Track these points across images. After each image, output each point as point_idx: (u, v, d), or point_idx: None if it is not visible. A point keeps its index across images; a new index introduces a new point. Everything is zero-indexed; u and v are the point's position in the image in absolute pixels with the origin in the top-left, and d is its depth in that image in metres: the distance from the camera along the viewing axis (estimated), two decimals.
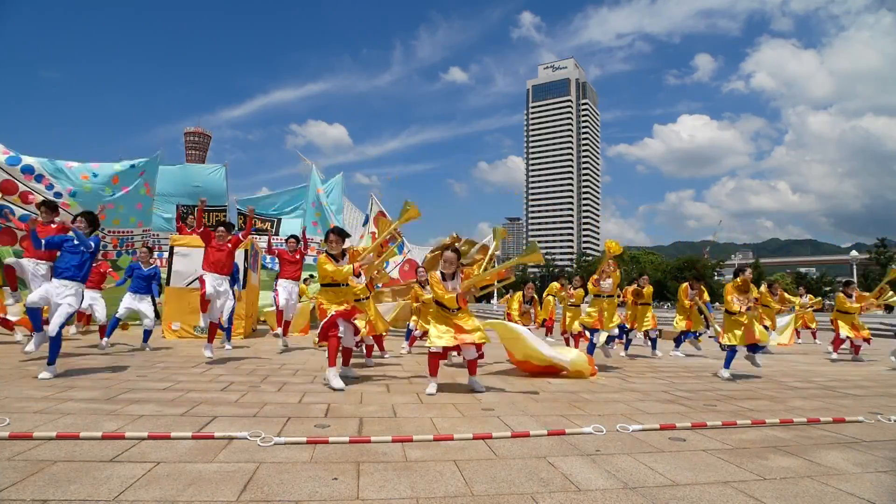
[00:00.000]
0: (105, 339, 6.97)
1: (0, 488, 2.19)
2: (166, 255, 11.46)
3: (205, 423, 3.35)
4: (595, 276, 7.10)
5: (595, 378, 5.97)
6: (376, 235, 13.46)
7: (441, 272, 5.08)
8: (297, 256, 8.78)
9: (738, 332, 6.46)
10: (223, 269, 6.73)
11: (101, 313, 7.70)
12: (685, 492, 2.42)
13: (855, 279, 35.26)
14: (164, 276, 10.85)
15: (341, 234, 5.23)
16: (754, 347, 6.44)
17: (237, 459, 2.68)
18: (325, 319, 4.95)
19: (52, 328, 4.90)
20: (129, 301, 7.45)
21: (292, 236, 9.04)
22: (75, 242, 5.17)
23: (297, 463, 2.66)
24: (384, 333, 6.97)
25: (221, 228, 6.86)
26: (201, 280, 6.57)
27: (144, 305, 7.53)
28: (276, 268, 14.35)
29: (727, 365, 6.47)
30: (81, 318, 9.25)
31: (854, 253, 36.47)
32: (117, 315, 7.28)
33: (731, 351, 6.54)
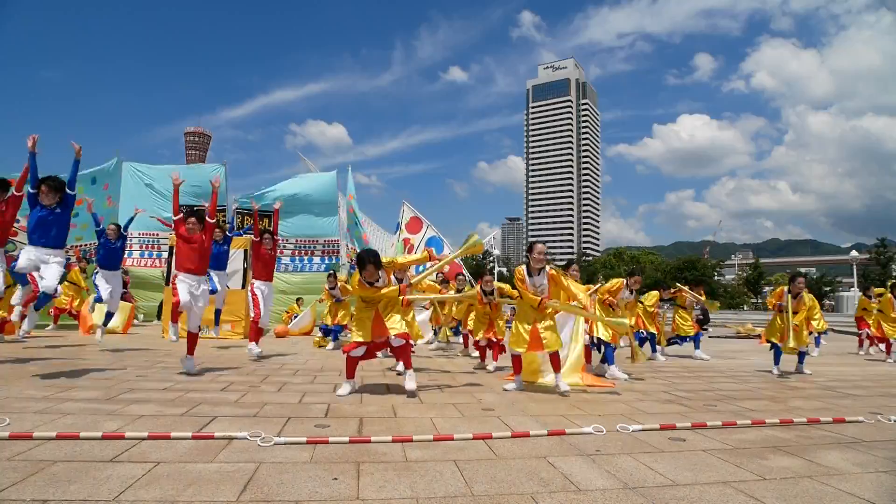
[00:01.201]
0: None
1: (0, 488, 2.19)
2: (165, 255, 11.49)
3: (205, 423, 3.35)
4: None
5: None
6: (409, 241, 13.35)
7: (527, 267, 5.01)
8: (274, 254, 7.54)
9: (779, 334, 6.84)
10: (199, 268, 5.72)
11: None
12: (685, 492, 2.42)
13: (855, 279, 35.22)
14: (163, 275, 10.91)
15: (377, 263, 4.65)
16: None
17: (237, 459, 2.68)
18: (349, 346, 4.76)
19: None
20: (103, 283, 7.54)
21: (266, 231, 7.55)
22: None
23: (297, 463, 2.66)
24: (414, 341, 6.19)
25: (192, 219, 5.75)
26: (173, 285, 5.62)
27: (105, 284, 7.60)
28: (275, 270, 14.34)
29: (776, 362, 6.85)
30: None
31: (854, 253, 36.40)
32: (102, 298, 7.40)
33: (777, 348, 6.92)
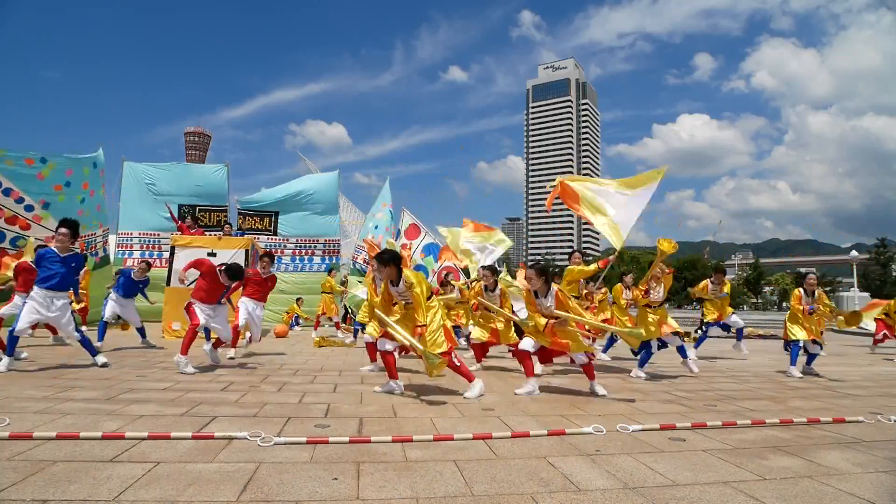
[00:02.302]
0: (98, 342, 6.99)
1: (0, 488, 2.19)
2: (166, 255, 11.49)
3: (205, 423, 3.36)
4: (643, 286, 6.47)
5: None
6: (407, 247, 13.58)
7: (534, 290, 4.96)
8: (269, 284, 7.39)
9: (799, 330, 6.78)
10: (215, 299, 6.12)
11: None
12: (685, 492, 2.42)
13: (855, 279, 35.23)
14: (164, 275, 10.89)
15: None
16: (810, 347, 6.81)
17: (237, 459, 2.68)
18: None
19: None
20: (114, 306, 7.66)
21: (266, 254, 7.65)
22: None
23: (297, 463, 2.66)
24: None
25: (223, 269, 6.05)
26: (191, 310, 5.87)
27: (129, 310, 7.78)
28: (276, 270, 14.36)
29: (793, 362, 6.72)
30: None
31: (854, 253, 36.36)
32: (104, 318, 7.43)
33: (795, 346, 6.78)
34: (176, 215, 13.59)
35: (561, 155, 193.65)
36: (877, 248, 54.58)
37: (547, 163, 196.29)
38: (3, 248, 9.71)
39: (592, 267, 6.54)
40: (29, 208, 10.22)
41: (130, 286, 7.78)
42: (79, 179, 11.16)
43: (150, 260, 9.03)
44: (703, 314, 9.01)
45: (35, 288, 5.41)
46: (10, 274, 6.92)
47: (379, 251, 5.05)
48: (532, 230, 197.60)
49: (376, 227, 15.28)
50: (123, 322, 11.40)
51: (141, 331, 7.89)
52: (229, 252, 10.22)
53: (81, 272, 7.01)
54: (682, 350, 6.63)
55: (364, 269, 14.33)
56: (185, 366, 5.50)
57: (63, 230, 5.44)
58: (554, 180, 7.36)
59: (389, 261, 4.65)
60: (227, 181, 14.58)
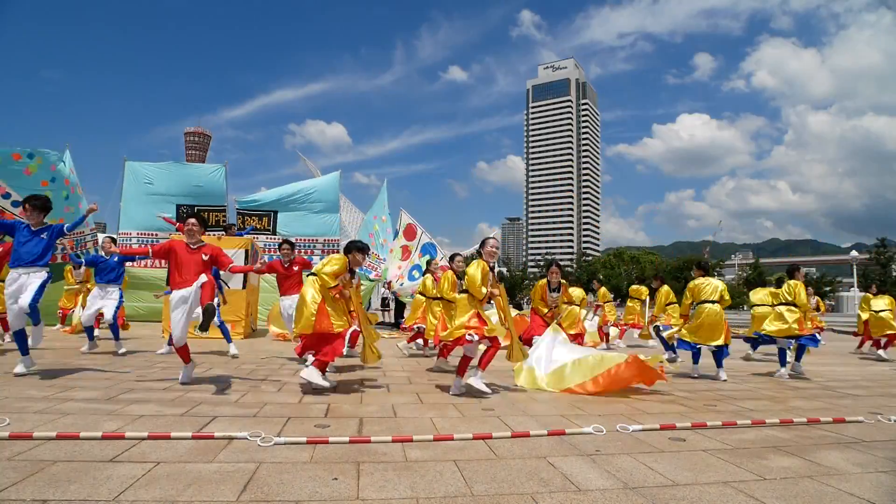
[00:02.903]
0: (85, 349, 6.74)
1: (0, 488, 2.19)
2: None
3: (205, 423, 3.36)
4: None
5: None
6: (408, 248, 13.66)
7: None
8: (294, 268, 6.89)
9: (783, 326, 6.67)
10: (191, 278, 4.89)
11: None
12: (685, 492, 2.42)
13: (855, 279, 35.29)
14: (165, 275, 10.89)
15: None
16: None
17: (237, 459, 2.68)
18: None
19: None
20: (94, 301, 6.88)
21: (285, 241, 7.24)
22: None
23: (297, 463, 2.66)
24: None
25: (192, 221, 5.24)
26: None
27: (107, 303, 6.90)
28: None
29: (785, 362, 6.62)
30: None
31: (854, 253, 36.43)
32: (85, 324, 6.80)
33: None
34: (174, 218, 13.59)
35: (561, 155, 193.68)
36: (877, 248, 54.49)
37: (547, 163, 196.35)
38: None
39: (548, 313, 6.74)
40: (16, 204, 10.14)
41: (107, 269, 7.00)
42: (60, 175, 11.13)
43: (114, 236, 8.56)
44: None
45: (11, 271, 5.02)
46: None
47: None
48: (532, 230, 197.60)
49: (389, 235, 15.35)
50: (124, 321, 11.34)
51: (89, 331, 6.91)
52: (229, 252, 10.21)
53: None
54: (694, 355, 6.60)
55: (368, 272, 14.36)
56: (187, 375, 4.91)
57: (28, 206, 5.09)
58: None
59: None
60: (225, 181, 14.58)
